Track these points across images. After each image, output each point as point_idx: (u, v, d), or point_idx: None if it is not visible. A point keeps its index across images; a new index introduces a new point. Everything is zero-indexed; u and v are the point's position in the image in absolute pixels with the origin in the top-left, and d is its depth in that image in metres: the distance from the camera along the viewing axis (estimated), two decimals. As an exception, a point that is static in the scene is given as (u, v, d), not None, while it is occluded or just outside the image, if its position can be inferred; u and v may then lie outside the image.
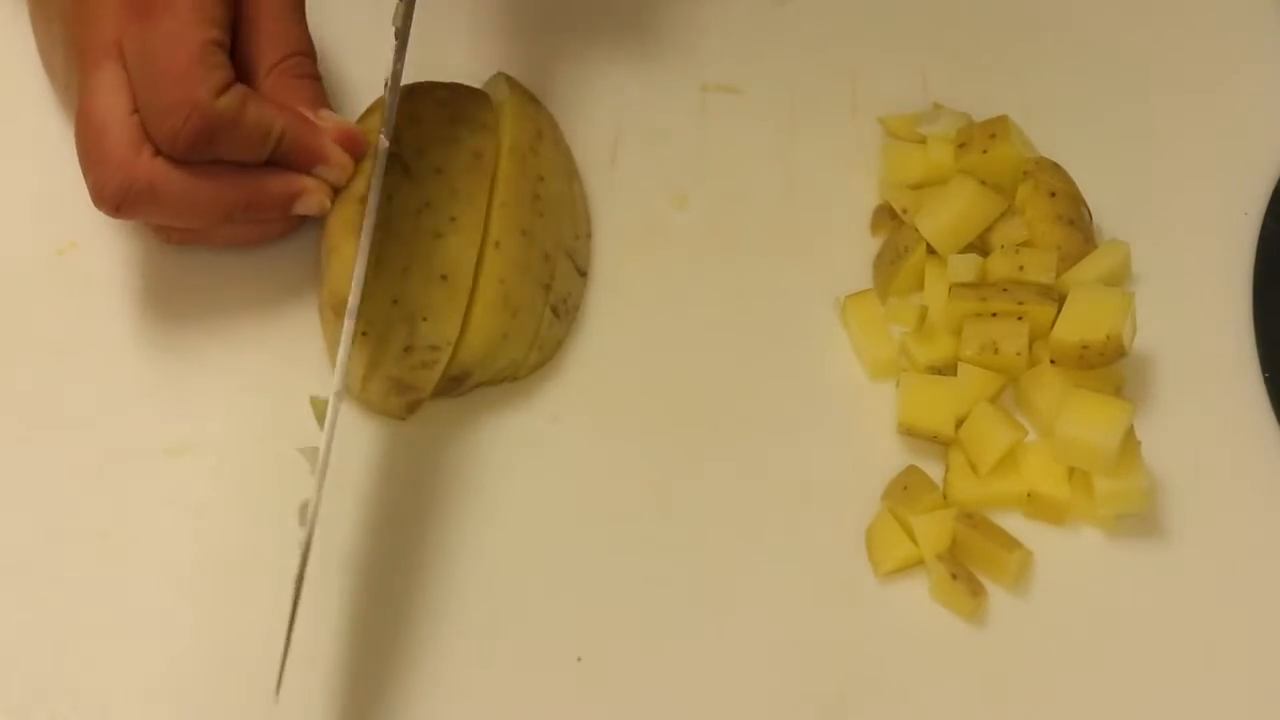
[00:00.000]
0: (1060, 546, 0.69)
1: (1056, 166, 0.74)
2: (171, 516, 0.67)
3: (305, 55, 0.71)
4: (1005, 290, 0.71)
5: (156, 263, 0.72)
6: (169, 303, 0.71)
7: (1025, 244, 0.73)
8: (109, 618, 0.66)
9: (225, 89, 0.66)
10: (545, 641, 0.66)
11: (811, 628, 0.67)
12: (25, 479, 0.68)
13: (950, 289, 0.72)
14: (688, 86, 0.78)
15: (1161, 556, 0.69)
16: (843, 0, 0.79)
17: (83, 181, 0.72)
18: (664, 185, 0.76)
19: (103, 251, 0.72)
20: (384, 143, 0.67)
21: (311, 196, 0.69)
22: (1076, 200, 0.74)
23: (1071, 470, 0.69)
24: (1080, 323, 0.69)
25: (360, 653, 0.66)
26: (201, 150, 0.66)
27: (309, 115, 0.70)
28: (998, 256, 0.73)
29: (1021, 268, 0.72)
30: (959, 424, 0.70)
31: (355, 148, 0.70)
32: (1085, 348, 0.69)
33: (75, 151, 0.67)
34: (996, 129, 0.74)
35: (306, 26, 0.71)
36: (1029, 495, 0.69)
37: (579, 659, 0.66)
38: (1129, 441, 0.68)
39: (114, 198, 0.65)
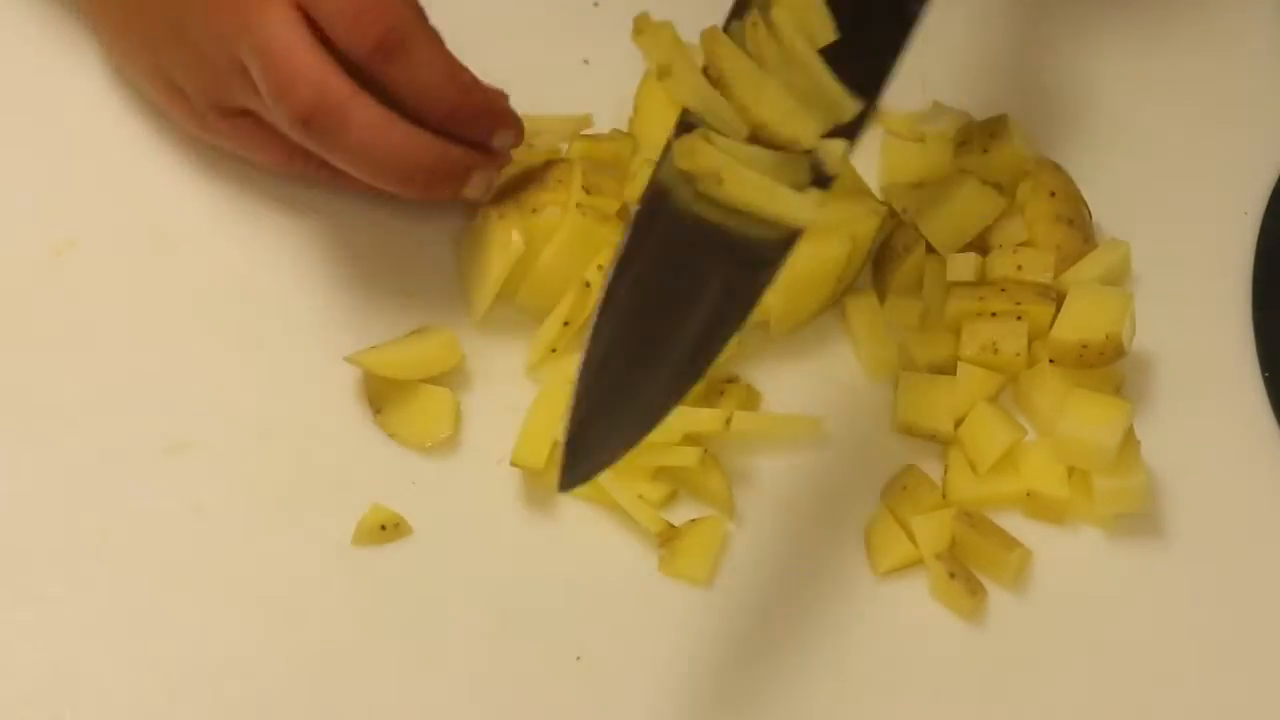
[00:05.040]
0: (1060, 546, 0.69)
1: (1056, 166, 0.74)
2: (171, 516, 0.67)
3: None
4: (1003, 290, 0.71)
5: (155, 262, 0.72)
6: (168, 302, 0.71)
7: (1024, 244, 0.73)
8: (109, 617, 0.66)
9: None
10: (545, 641, 0.66)
11: (811, 627, 0.67)
12: (24, 478, 0.68)
13: (949, 288, 0.72)
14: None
15: (1161, 556, 0.69)
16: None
17: (83, 181, 0.72)
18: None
19: (102, 251, 0.72)
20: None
21: (481, 175, 0.68)
22: (1076, 200, 0.74)
23: (1071, 470, 0.69)
24: (1079, 322, 0.69)
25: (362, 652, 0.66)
26: (391, 52, 0.64)
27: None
28: (996, 256, 0.73)
29: (1020, 267, 0.72)
30: (958, 423, 0.70)
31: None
32: (1085, 347, 0.69)
33: (156, 108, 0.64)
34: (996, 128, 0.74)
35: None
36: (1028, 495, 0.69)
37: (578, 659, 0.66)
38: (1129, 441, 0.68)
39: (306, 110, 0.63)
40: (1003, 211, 0.73)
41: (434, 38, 0.66)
